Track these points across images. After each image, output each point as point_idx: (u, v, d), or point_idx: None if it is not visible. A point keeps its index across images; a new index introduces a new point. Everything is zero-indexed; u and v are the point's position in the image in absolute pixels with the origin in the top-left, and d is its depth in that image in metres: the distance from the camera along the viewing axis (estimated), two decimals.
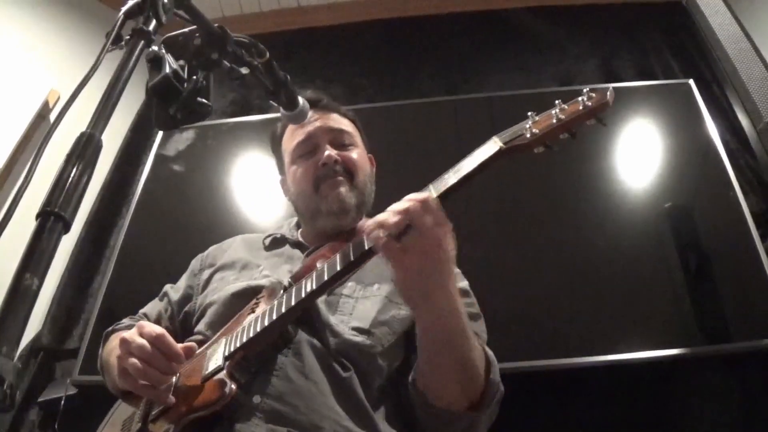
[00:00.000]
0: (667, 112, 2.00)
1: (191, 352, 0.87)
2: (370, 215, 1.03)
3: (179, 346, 0.84)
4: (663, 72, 2.26)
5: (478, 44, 2.48)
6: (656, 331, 1.55)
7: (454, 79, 2.37)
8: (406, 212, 0.70)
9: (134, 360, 0.79)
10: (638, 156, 1.91)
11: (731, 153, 1.90)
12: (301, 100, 0.95)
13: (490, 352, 0.89)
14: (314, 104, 1.07)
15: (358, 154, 1.14)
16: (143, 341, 0.80)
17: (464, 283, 1.06)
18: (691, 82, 2.06)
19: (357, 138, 1.19)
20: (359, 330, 0.93)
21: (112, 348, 1.00)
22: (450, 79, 2.37)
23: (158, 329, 0.83)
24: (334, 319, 0.93)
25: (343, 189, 1.07)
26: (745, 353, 1.50)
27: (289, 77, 0.91)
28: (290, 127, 1.18)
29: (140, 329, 0.83)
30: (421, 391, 0.86)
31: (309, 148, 1.12)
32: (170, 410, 0.84)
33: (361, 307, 0.96)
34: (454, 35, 2.53)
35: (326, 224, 1.08)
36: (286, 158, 1.17)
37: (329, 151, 1.08)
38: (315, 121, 1.13)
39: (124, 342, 0.82)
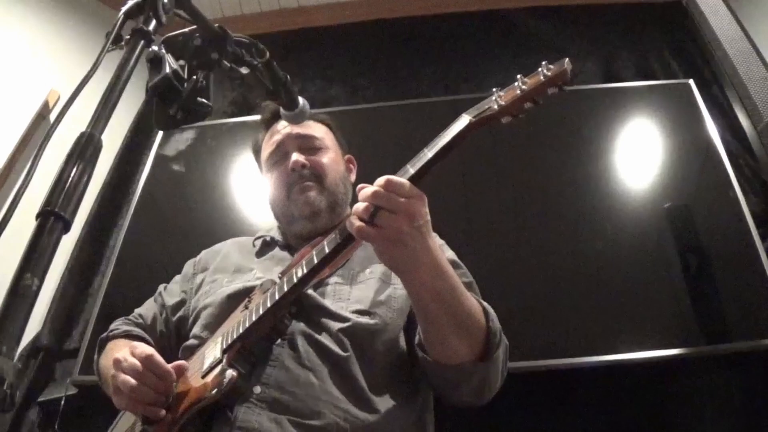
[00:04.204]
0: (667, 112, 2.00)
1: (181, 371, 0.88)
2: None
3: (171, 365, 0.86)
4: (663, 72, 2.25)
5: (478, 44, 2.47)
6: (656, 331, 1.55)
7: (454, 79, 2.37)
8: (372, 197, 0.72)
9: (126, 377, 0.82)
10: (638, 156, 1.91)
11: (731, 153, 1.89)
12: (301, 100, 0.96)
13: (486, 303, 0.90)
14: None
15: (327, 157, 1.17)
16: (135, 360, 0.83)
17: (451, 254, 1.08)
18: (691, 82, 2.05)
19: (328, 141, 1.21)
20: (361, 312, 0.95)
21: (108, 364, 1.01)
22: (450, 79, 2.37)
23: (148, 350, 0.85)
24: (333, 306, 0.95)
25: (312, 193, 1.11)
26: (745, 353, 1.50)
27: (289, 77, 0.91)
28: (265, 138, 1.23)
29: (132, 349, 0.85)
30: (429, 358, 0.87)
31: (279, 156, 1.17)
32: (171, 409, 0.84)
33: (358, 292, 0.98)
34: (454, 35, 2.52)
35: (302, 228, 1.12)
36: (263, 168, 1.23)
37: (296, 157, 1.12)
38: (284, 129, 1.17)
39: (117, 362, 0.84)
